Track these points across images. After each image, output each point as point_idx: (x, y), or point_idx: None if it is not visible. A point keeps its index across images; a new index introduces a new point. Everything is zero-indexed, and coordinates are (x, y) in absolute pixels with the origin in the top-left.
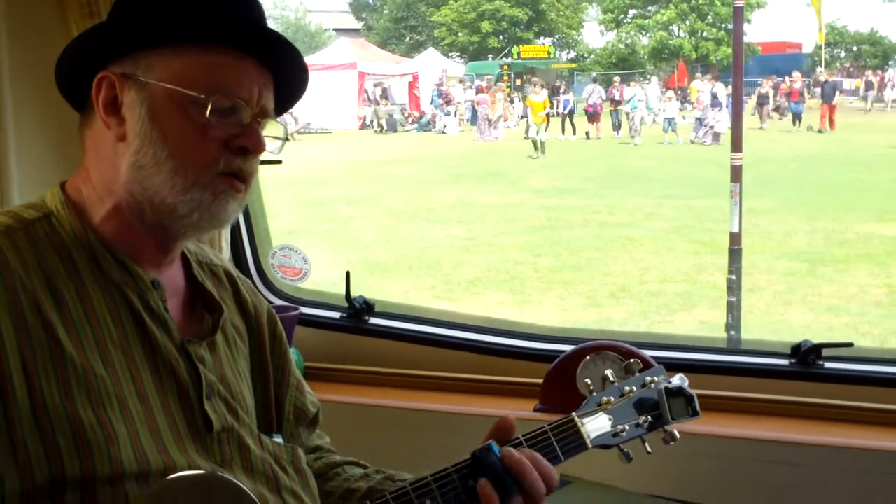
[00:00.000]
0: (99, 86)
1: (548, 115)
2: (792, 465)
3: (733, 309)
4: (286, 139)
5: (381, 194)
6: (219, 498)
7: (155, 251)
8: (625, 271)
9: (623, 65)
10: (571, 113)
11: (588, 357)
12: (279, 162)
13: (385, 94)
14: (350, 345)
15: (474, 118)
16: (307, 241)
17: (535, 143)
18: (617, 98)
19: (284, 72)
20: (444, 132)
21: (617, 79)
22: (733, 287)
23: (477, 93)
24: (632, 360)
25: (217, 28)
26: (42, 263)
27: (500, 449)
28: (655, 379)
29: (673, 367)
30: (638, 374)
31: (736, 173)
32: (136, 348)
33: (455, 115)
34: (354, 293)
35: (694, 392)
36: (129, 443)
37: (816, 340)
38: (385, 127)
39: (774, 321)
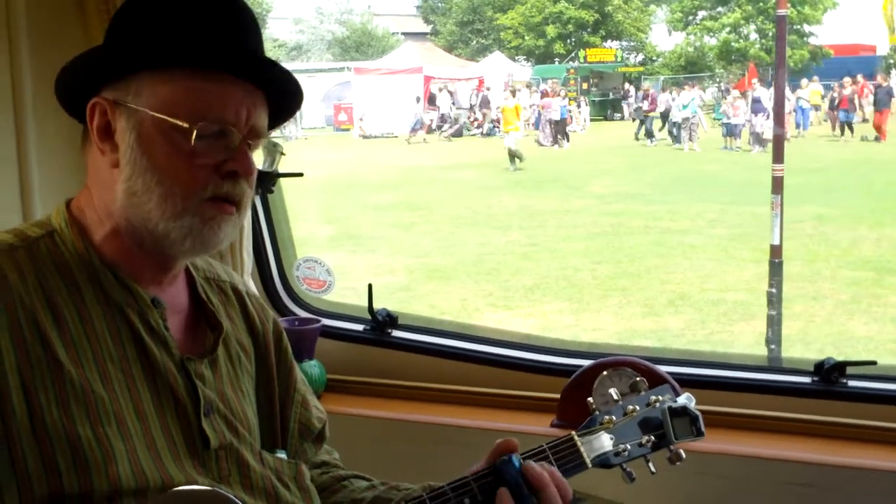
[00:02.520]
0: (92, 111)
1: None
2: (811, 486)
3: (773, 323)
4: (282, 153)
5: (443, 200)
6: None
7: (155, 271)
8: (685, 279)
9: (692, 68)
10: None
11: (605, 373)
12: (300, 175)
13: (433, 101)
14: (373, 357)
15: (539, 122)
16: (367, 246)
17: (510, 153)
18: (646, 107)
19: (276, 89)
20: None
21: (647, 84)
22: (773, 301)
23: (542, 97)
24: (638, 379)
25: (201, 53)
26: (43, 282)
27: (521, 462)
28: (660, 398)
29: (693, 384)
30: (643, 393)
31: (777, 184)
32: (135, 366)
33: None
34: (412, 300)
35: (699, 412)
36: (127, 460)
37: (877, 353)
38: (449, 131)
39: (836, 332)
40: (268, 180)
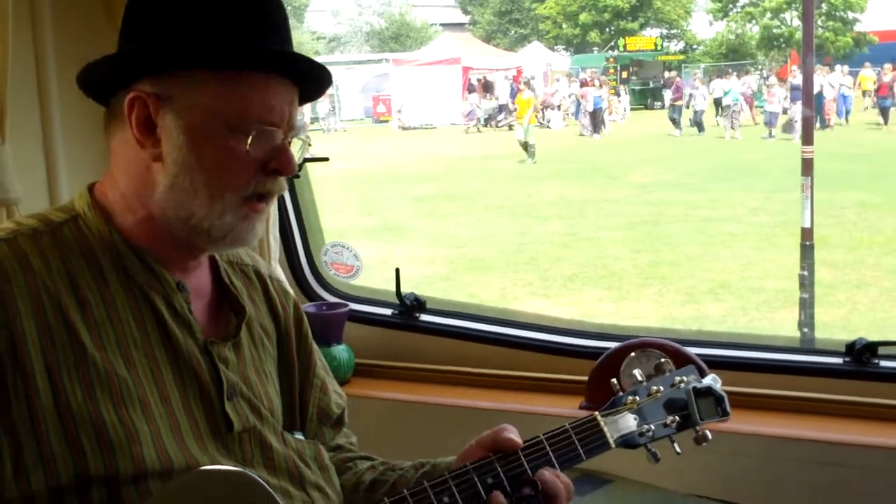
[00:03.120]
0: (132, 104)
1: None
2: (842, 466)
3: (806, 306)
4: (309, 144)
5: (482, 190)
6: (244, 494)
7: (183, 258)
8: (725, 267)
9: (733, 55)
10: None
11: (633, 354)
12: (326, 159)
13: (489, 88)
14: (401, 342)
15: (579, 112)
16: (406, 237)
17: (524, 146)
18: (671, 96)
19: (311, 86)
20: (547, 126)
21: (672, 73)
22: (806, 283)
23: (581, 86)
24: (662, 360)
25: (253, 55)
26: (67, 266)
27: (537, 476)
28: (685, 378)
29: (723, 365)
30: (668, 374)
31: (807, 167)
32: (159, 350)
33: (559, 110)
34: (451, 290)
35: (724, 392)
36: (151, 442)
37: None
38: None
39: (879, 319)
40: None
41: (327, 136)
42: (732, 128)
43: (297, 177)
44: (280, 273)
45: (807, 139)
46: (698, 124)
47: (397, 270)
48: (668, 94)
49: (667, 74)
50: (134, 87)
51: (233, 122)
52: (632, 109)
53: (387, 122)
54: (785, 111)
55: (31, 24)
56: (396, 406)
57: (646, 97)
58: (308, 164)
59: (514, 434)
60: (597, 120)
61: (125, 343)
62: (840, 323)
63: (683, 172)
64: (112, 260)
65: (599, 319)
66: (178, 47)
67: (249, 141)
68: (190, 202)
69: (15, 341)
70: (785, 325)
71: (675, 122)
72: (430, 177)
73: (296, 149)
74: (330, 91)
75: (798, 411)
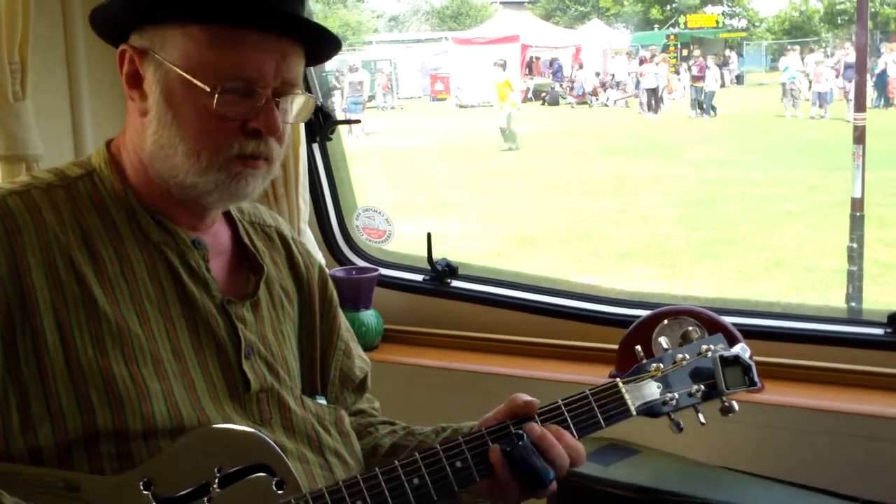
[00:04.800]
0: (122, 57)
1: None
2: (878, 440)
3: (854, 279)
4: (318, 103)
5: (537, 167)
6: (254, 453)
7: (190, 216)
8: (781, 245)
9: (796, 32)
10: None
11: (665, 321)
12: (358, 121)
13: (559, 68)
14: (431, 308)
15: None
16: (460, 213)
17: (503, 132)
18: (696, 73)
19: (310, 37)
20: (606, 105)
21: (697, 53)
22: (854, 256)
23: (640, 64)
24: (689, 328)
25: (224, 8)
26: (80, 220)
27: (525, 426)
28: (712, 347)
29: (759, 335)
30: (694, 342)
31: (860, 135)
32: (174, 306)
33: (618, 88)
34: (501, 266)
35: (752, 361)
36: (163, 399)
37: None
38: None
39: None
40: (325, 128)
41: (384, 114)
42: (794, 106)
43: (329, 139)
44: (309, 235)
45: (859, 106)
46: (711, 107)
47: (429, 235)
48: (729, 72)
49: (727, 52)
50: (129, 39)
51: (204, 78)
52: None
53: (444, 99)
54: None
55: None
56: (425, 372)
57: None
58: (340, 127)
59: (528, 398)
60: (654, 98)
61: (139, 299)
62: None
63: (742, 150)
64: (127, 217)
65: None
66: (158, 3)
67: (215, 100)
68: (172, 159)
69: (25, 295)
70: (839, 305)
71: (699, 105)
72: (485, 154)
73: (297, 106)
74: (388, 69)
75: (835, 383)
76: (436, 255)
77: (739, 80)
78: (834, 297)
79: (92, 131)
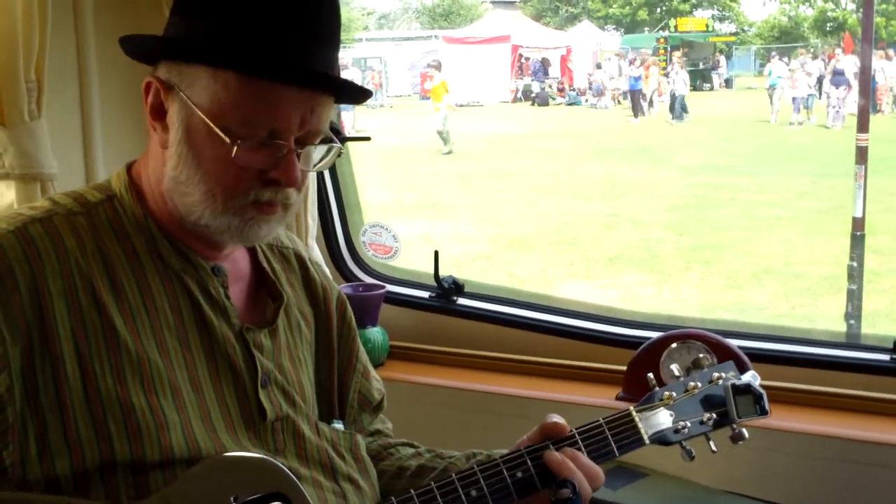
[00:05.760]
0: (147, 88)
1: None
2: (883, 467)
3: (853, 297)
4: (340, 153)
5: (528, 169)
6: (268, 481)
7: (208, 246)
8: (770, 252)
9: (785, 38)
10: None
11: (674, 345)
12: (368, 139)
13: (540, 68)
14: (437, 325)
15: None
16: (450, 214)
17: (440, 134)
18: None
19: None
20: (595, 107)
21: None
22: (854, 275)
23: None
24: (701, 356)
25: (258, 61)
26: (102, 248)
27: (545, 453)
28: (723, 375)
29: (766, 359)
30: (706, 370)
31: (861, 155)
32: (193, 335)
33: (609, 91)
34: (492, 269)
35: (763, 390)
36: (181, 429)
37: None
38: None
39: None
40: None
41: (373, 112)
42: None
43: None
44: (317, 252)
45: (862, 126)
46: (681, 109)
47: (436, 253)
48: (718, 76)
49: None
50: (156, 69)
51: (231, 127)
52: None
53: None
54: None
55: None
56: (430, 390)
57: (695, 78)
58: (349, 144)
59: (559, 419)
60: (635, 101)
61: (159, 328)
62: (885, 311)
63: (731, 155)
64: (147, 244)
65: (639, 303)
66: (188, 39)
67: (235, 150)
68: (189, 196)
69: (46, 324)
70: (827, 313)
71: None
72: (476, 154)
73: (321, 153)
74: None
75: (840, 408)
76: (423, 259)
77: (728, 83)
78: (822, 305)
79: (103, 150)
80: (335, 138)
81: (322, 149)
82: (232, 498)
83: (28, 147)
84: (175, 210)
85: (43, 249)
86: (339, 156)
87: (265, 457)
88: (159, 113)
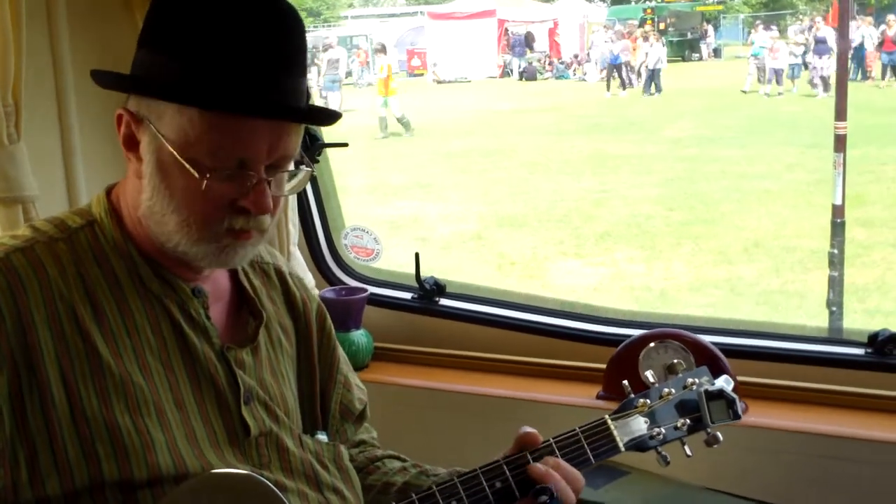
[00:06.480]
0: (119, 120)
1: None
2: (859, 462)
3: (835, 284)
4: (313, 173)
5: (516, 145)
6: (254, 496)
7: (186, 269)
8: (760, 226)
9: (773, 5)
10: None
11: (651, 344)
12: (345, 145)
13: (526, 42)
14: (420, 326)
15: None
16: (438, 194)
17: (401, 121)
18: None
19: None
20: (583, 80)
21: (649, 28)
22: (835, 262)
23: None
24: (675, 361)
25: (223, 97)
26: (83, 273)
27: (528, 467)
28: (697, 381)
29: (742, 354)
30: (679, 375)
31: (840, 143)
32: (175, 357)
33: (595, 63)
34: (482, 249)
35: (735, 395)
36: (167, 448)
37: None
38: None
39: None
40: (312, 150)
41: (360, 91)
42: (759, 81)
43: (317, 161)
44: (299, 257)
45: (840, 114)
46: (654, 84)
47: (416, 255)
48: (706, 45)
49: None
50: (128, 100)
51: (200, 160)
52: (669, 62)
53: (422, 75)
54: (806, 66)
55: (46, 19)
56: (414, 392)
57: (683, 49)
58: (328, 146)
59: (531, 430)
60: (612, 75)
61: (141, 351)
62: (874, 284)
63: (720, 127)
64: (127, 268)
65: (630, 280)
66: (156, 78)
67: (204, 185)
68: (165, 225)
69: (30, 350)
70: (817, 289)
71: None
72: (464, 131)
73: (293, 178)
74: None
75: (816, 403)
76: (416, 241)
77: (717, 53)
78: (812, 280)
79: (84, 169)
80: (307, 160)
81: (295, 174)
82: None
83: (8, 170)
84: (153, 236)
85: (25, 278)
86: (311, 177)
87: (251, 473)
88: (132, 143)
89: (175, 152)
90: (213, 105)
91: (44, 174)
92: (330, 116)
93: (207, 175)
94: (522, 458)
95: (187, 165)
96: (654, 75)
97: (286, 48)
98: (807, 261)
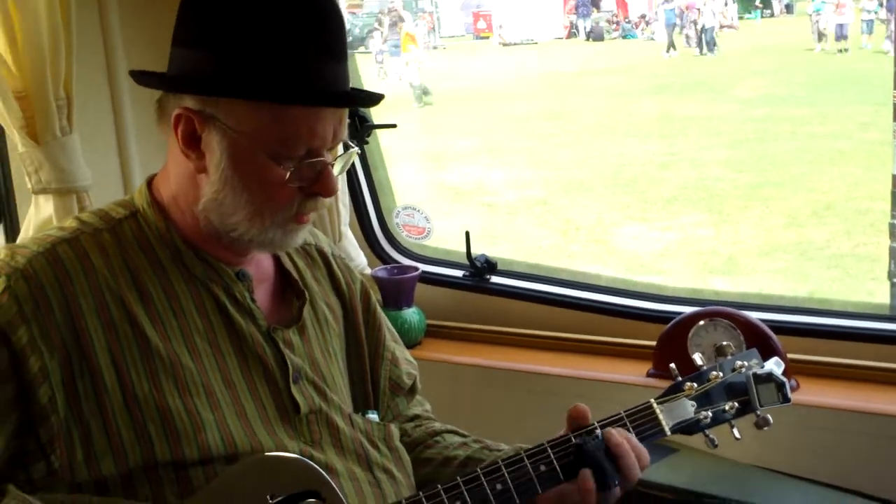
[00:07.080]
0: (178, 120)
1: None
2: None
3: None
4: (358, 151)
5: (582, 108)
6: (303, 479)
7: (234, 255)
8: (832, 188)
9: None
10: None
11: (701, 322)
12: (394, 126)
13: (592, 2)
14: (471, 303)
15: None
16: (504, 160)
17: (416, 89)
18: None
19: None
20: (651, 38)
21: None
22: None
23: None
24: (724, 343)
25: (298, 90)
26: (128, 261)
27: (603, 431)
28: (745, 363)
29: (793, 331)
30: (729, 358)
31: None
32: (223, 338)
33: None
34: (548, 216)
35: (785, 378)
36: (217, 428)
37: None
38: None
39: None
40: (362, 132)
41: (427, 54)
42: (820, 39)
43: (366, 142)
44: (351, 237)
45: None
46: (707, 43)
47: (467, 234)
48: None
49: None
50: (182, 99)
51: (275, 150)
52: (739, 18)
53: (487, 38)
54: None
55: (98, 10)
56: (466, 369)
57: (754, 4)
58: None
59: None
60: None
61: (189, 333)
62: None
63: (792, 85)
64: (171, 255)
65: (698, 245)
66: (224, 76)
67: (288, 175)
68: (232, 216)
69: (81, 339)
70: (886, 250)
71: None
72: (530, 95)
73: (343, 160)
74: (430, 9)
75: (874, 381)
76: (481, 207)
77: (789, 9)
78: (885, 243)
79: (138, 156)
80: (350, 143)
81: (344, 156)
82: (269, 496)
83: (62, 162)
84: (209, 226)
85: (72, 269)
86: (360, 153)
87: (299, 457)
88: (193, 141)
89: (253, 146)
90: (291, 99)
91: (98, 164)
92: (377, 98)
93: (287, 165)
94: (566, 440)
95: (269, 158)
96: (706, 33)
97: (336, 36)
98: (879, 223)
